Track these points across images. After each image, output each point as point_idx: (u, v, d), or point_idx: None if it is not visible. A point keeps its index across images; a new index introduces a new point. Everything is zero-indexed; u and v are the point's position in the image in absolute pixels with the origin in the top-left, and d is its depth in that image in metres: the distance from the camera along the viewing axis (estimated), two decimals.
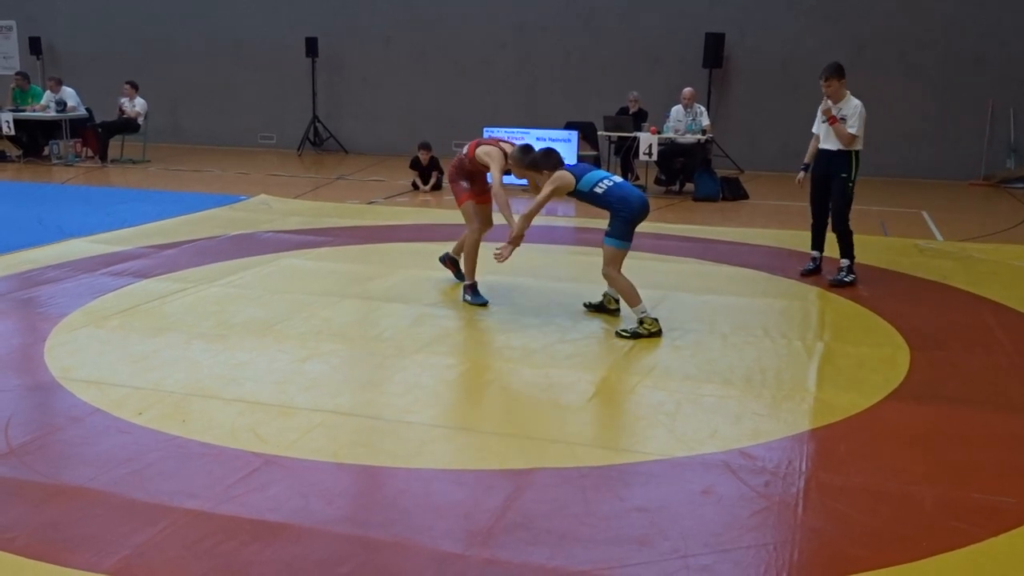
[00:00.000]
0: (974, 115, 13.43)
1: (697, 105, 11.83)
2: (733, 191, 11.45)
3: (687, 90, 11.78)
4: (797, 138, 14.32)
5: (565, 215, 10.48)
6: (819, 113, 7.06)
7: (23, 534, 3.16)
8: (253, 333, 5.50)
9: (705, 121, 11.77)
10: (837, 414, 4.37)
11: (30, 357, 5.03)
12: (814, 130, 7.20)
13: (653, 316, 5.62)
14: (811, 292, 6.71)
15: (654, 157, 11.51)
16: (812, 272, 7.23)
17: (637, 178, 12.36)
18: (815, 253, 7.30)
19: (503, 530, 3.24)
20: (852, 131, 6.84)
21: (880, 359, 5.20)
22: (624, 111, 12.65)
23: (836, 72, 6.90)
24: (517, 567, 3.01)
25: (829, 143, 6.99)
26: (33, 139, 14.24)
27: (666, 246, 8.32)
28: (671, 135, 11.66)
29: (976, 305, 6.46)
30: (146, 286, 6.53)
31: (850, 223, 7.01)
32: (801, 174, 7.27)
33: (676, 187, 11.97)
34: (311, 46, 15.72)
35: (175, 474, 3.64)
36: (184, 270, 7.01)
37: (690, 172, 11.73)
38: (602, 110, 12.66)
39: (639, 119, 12.28)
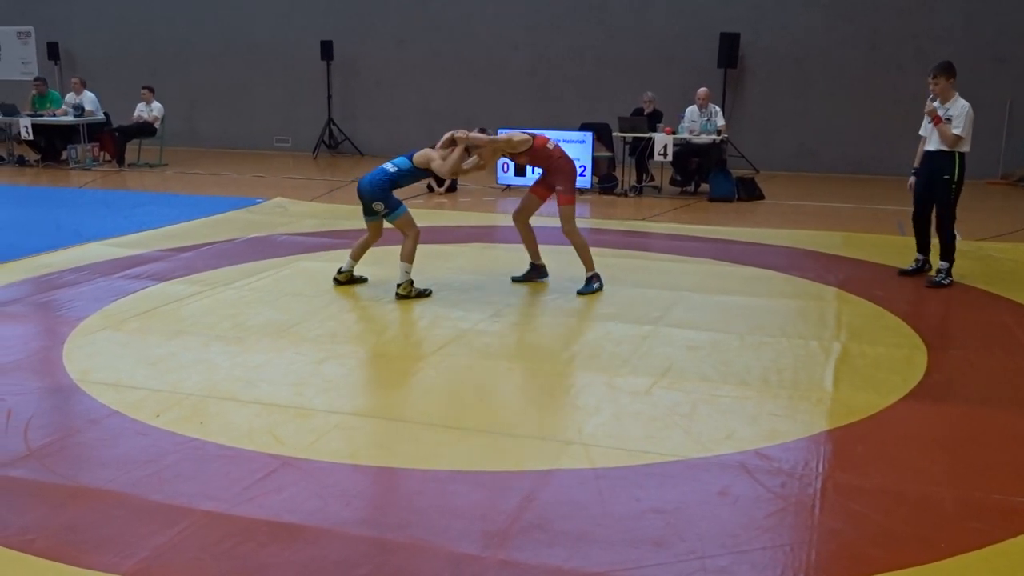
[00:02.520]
0: (992, 113, 13.29)
1: (712, 105, 11.79)
2: (748, 191, 11.40)
3: (702, 90, 11.75)
4: (812, 137, 14.46)
5: (580, 216, 10.46)
6: (926, 114, 6.98)
7: (42, 536, 3.18)
8: (270, 335, 5.52)
9: (720, 121, 11.73)
10: (854, 415, 4.35)
11: (49, 360, 5.07)
12: (921, 132, 7.12)
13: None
14: (827, 292, 6.68)
15: (669, 158, 11.48)
16: (911, 272, 7.17)
17: (652, 179, 12.34)
18: (919, 256, 7.24)
19: (519, 531, 3.25)
20: (957, 132, 6.76)
21: (897, 359, 5.17)
22: (639, 112, 12.62)
23: (944, 70, 6.83)
24: (533, 568, 3.01)
25: (933, 144, 6.93)
26: (51, 144, 14.34)
27: (681, 247, 8.30)
28: (686, 135, 11.62)
29: (994, 304, 6.42)
30: (163, 289, 6.57)
31: (954, 226, 6.97)
32: (912, 179, 7.21)
33: (691, 188, 11.94)
34: (326, 49, 15.79)
35: (193, 476, 3.66)
36: (201, 273, 7.05)
37: (705, 172, 11.70)
38: (616, 111, 12.63)
39: (654, 120, 12.24)
